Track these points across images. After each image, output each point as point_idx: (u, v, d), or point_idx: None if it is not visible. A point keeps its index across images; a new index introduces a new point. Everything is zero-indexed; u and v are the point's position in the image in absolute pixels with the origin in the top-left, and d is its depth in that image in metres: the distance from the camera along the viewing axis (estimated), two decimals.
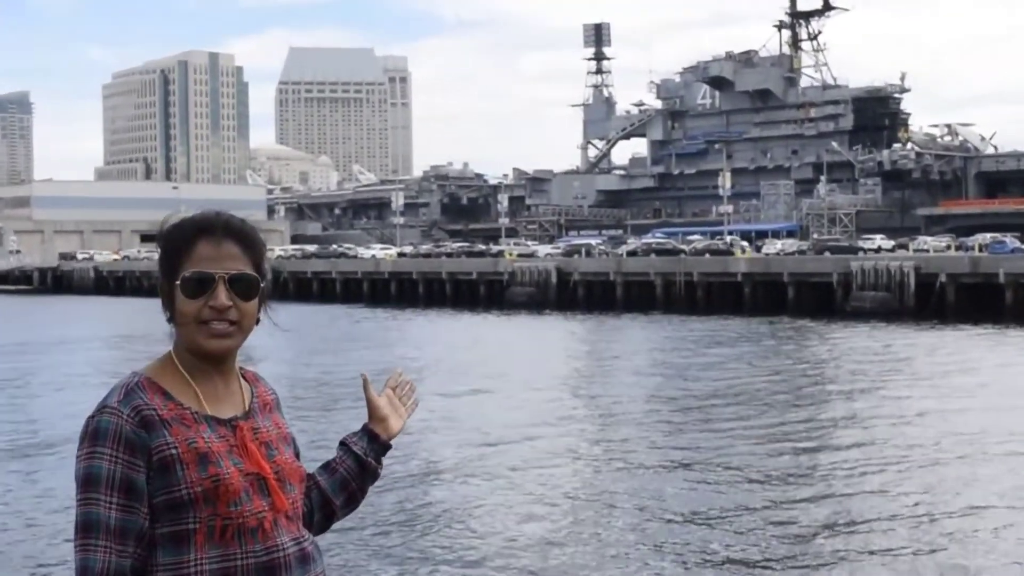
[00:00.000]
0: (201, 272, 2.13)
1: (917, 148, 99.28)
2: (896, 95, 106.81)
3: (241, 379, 2.28)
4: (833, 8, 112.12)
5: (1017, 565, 9.93)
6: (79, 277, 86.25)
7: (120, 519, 2.03)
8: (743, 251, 64.30)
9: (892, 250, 63.33)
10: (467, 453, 15.33)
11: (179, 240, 2.17)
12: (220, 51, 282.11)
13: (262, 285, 2.19)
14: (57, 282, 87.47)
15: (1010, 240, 59.62)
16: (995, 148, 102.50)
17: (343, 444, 2.42)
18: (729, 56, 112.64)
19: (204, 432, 2.11)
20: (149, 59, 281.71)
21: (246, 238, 2.20)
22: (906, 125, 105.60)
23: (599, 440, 16.92)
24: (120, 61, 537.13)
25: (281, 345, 28.71)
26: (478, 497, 12.68)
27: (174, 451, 2.07)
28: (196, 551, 2.07)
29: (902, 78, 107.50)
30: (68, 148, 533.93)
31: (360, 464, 2.40)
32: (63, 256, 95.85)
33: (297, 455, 2.31)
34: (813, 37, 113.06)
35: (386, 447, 2.44)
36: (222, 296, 2.13)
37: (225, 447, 2.13)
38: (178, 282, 2.14)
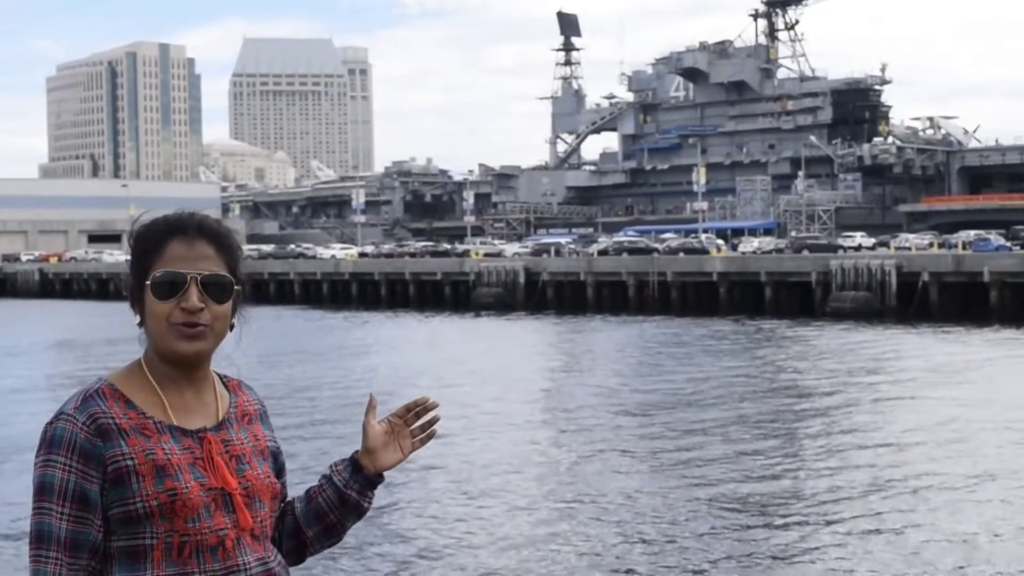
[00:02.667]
0: (173, 272, 2.10)
1: (898, 142, 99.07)
2: (876, 87, 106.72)
3: (222, 387, 2.23)
4: None
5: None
6: (23, 280, 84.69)
7: (72, 530, 2.02)
8: (719, 250, 63.99)
9: (873, 248, 63.37)
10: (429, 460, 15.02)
11: (151, 240, 2.14)
12: (170, 42, 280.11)
13: (236, 288, 2.15)
14: (0, 285, 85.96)
15: (995, 237, 59.71)
16: (981, 141, 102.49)
17: (328, 471, 2.30)
18: (703, 47, 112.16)
19: (166, 443, 2.07)
20: (96, 50, 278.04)
21: (221, 239, 2.17)
22: (887, 118, 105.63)
23: (565, 445, 16.92)
24: (65, 52, 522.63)
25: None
26: (442, 503, 12.79)
27: (130, 462, 2.04)
28: (153, 568, 2.04)
29: (883, 69, 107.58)
30: (10, 144, 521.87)
31: (340, 496, 2.27)
32: (6, 257, 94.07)
33: (280, 471, 2.26)
34: (790, 27, 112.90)
35: (372, 481, 2.27)
36: (194, 297, 2.09)
37: (188, 459, 2.08)
38: (148, 282, 2.10)
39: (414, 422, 2.30)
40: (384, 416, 2.30)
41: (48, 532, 2.02)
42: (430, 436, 2.32)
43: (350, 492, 2.25)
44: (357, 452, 2.28)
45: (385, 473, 2.30)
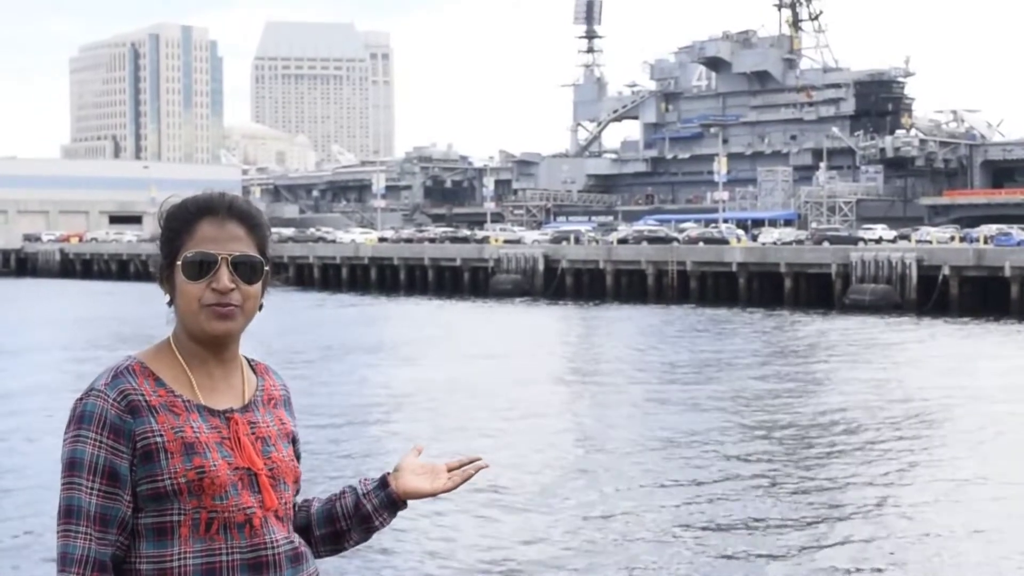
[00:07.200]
0: (203, 253, 2.11)
1: (921, 134, 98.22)
2: (900, 79, 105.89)
3: (249, 370, 2.25)
4: None
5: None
6: (44, 260, 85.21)
7: (101, 505, 2.04)
8: (738, 240, 63.67)
9: (893, 241, 62.37)
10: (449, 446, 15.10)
11: (181, 220, 2.15)
12: (193, 24, 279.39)
13: (266, 268, 2.17)
14: (21, 265, 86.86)
15: (1016, 232, 58.95)
16: (1004, 135, 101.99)
17: (356, 483, 2.33)
18: (726, 36, 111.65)
19: (194, 422, 2.10)
20: (118, 32, 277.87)
21: (251, 219, 2.18)
22: (910, 110, 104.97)
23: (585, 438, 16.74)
24: (88, 34, 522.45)
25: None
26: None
27: (159, 439, 2.06)
28: (180, 544, 2.06)
29: (906, 61, 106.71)
30: (33, 125, 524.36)
31: (356, 504, 2.28)
32: (28, 237, 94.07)
33: (297, 456, 2.26)
34: (814, 17, 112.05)
35: (394, 501, 2.28)
36: (224, 278, 2.11)
37: (216, 438, 2.10)
38: (179, 263, 2.12)
39: (456, 469, 2.30)
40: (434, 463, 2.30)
41: (78, 507, 2.03)
42: (466, 478, 2.30)
43: (366, 503, 2.27)
44: (390, 473, 2.30)
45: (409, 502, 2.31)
